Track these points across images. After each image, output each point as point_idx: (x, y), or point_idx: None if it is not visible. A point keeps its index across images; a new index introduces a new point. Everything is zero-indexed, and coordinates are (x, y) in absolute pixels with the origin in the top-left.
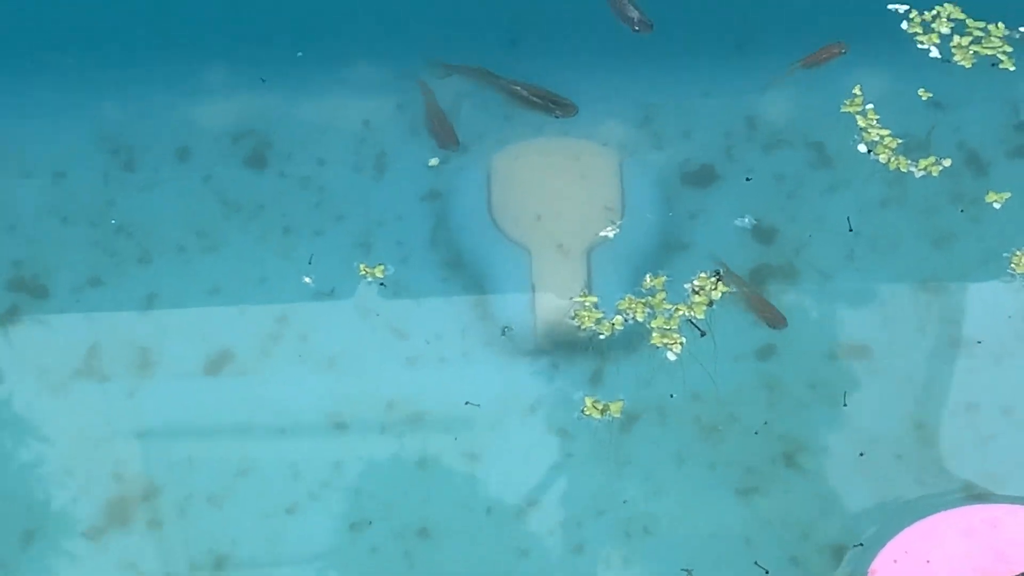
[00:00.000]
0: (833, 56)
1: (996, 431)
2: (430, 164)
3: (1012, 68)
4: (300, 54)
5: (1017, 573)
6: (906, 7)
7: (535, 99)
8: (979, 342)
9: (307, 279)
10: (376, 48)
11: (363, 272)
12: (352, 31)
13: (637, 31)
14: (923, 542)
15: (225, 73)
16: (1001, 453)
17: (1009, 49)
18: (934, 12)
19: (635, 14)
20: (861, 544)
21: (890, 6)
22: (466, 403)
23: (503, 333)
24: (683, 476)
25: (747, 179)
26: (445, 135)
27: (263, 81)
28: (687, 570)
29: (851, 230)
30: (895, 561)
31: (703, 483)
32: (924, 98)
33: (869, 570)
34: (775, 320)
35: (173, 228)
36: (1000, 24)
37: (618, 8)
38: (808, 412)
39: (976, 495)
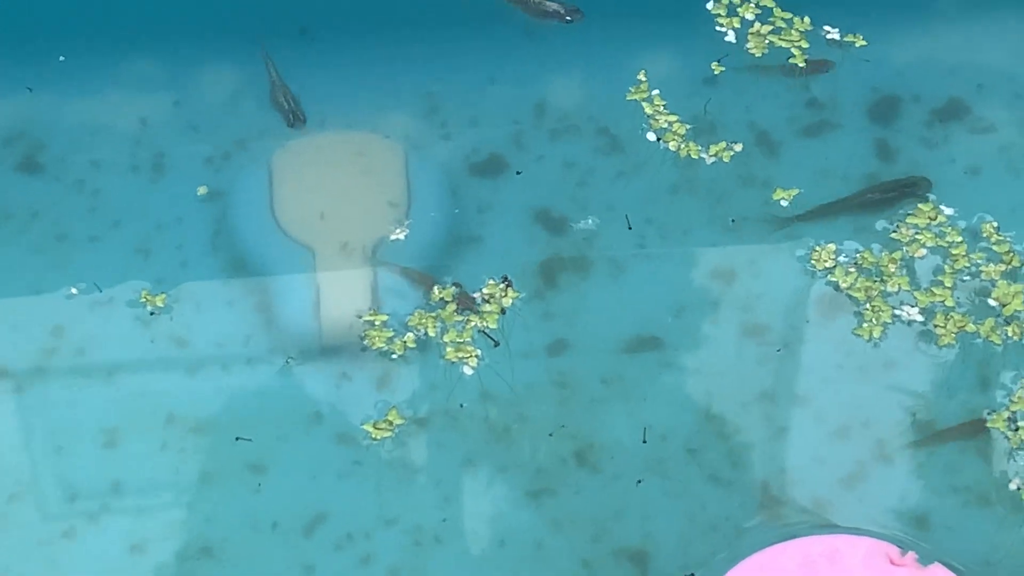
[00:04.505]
0: None
1: (789, 423)
2: (199, 193)
3: (802, 65)
4: (62, 59)
5: None
6: None
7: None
8: (771, 329)
9: (74, 290)
10: (148, 43)
11: (144, 300)
12: (119, 27)
13: (570, 21)
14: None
15: None
16: (794, 446)
17: (806, 45)
18: None
19: (556, 6)
20: (692, 574)
21: None
22: (237, 439)
23: (287, 362)
24: (473, 481)
25: (517, 172)
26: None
27: (30, 90)
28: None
29: (630, 228)
30: None
31: (493, 487)
32: (715, 78)
33: None
34: None
35: None
36: (806, 18)
37: (535, 9)
38: (600, 408)
39: (771, 496)
